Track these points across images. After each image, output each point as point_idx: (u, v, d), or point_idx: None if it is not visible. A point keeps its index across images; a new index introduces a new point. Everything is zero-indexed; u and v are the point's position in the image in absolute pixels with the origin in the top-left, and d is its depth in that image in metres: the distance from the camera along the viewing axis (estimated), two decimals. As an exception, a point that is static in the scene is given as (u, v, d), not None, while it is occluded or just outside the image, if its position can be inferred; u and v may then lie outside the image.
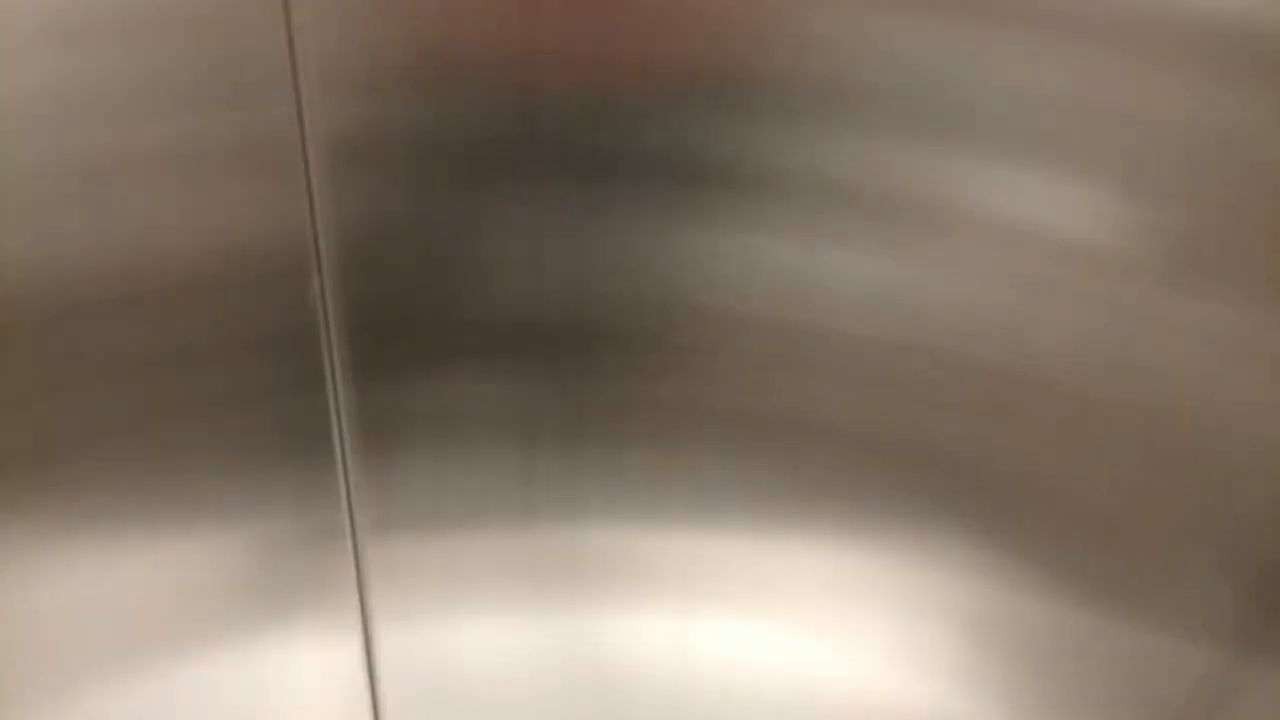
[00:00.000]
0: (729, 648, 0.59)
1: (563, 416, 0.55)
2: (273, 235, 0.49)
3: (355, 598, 0.57)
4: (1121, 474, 0.50)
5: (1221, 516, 0.49)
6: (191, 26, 0.44)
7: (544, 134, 0.48)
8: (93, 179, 0.46)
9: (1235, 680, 0.52)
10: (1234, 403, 0.47)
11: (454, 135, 0.48)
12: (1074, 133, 0.44)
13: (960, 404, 0.51)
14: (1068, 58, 0.42)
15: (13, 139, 0.44)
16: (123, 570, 0.54)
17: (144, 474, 0.53)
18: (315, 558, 0.56)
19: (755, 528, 0.57)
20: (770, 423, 0.54)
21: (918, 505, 0.54)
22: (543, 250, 0.51)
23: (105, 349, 0.49)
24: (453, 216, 0.50)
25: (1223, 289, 0.45)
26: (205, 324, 0.50)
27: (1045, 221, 0.46)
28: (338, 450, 0.54)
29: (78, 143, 0.45)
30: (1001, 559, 0.54)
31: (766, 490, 0.56)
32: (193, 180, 0.47)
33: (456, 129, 0.48)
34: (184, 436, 0.52)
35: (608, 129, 0.48)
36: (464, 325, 0.52)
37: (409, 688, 0.59)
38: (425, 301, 0.52)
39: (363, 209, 0.49)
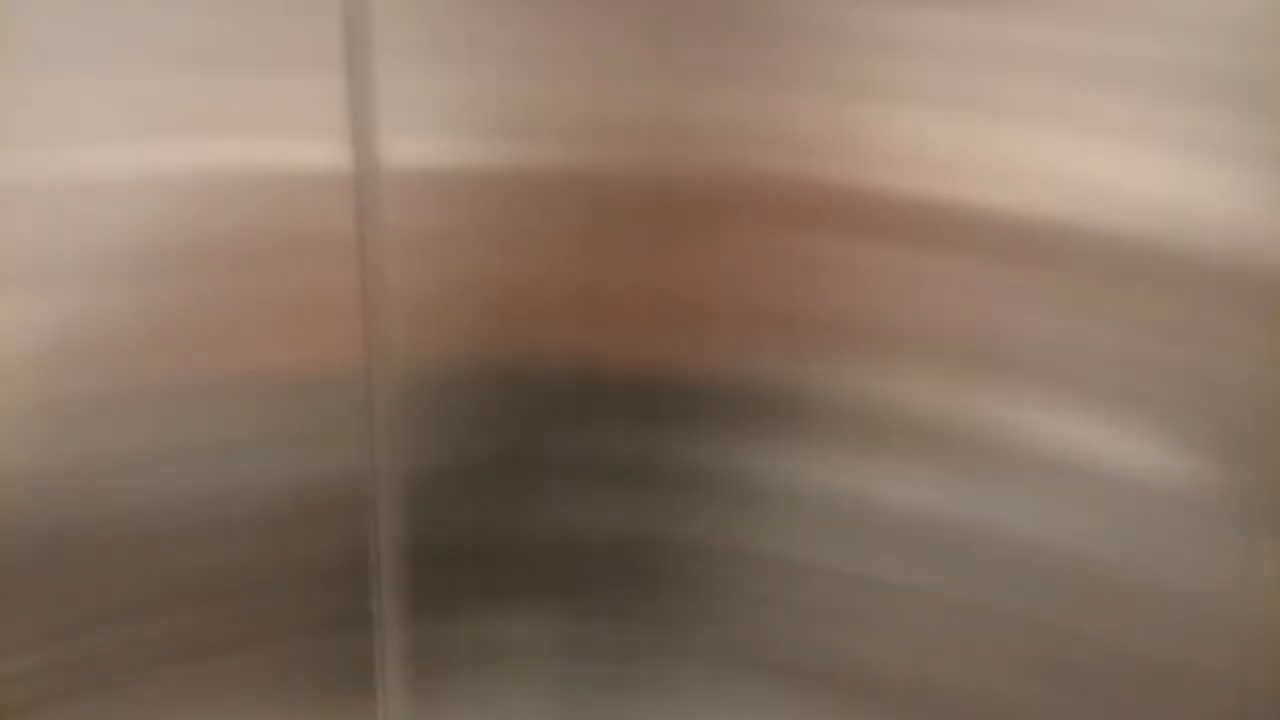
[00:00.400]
0: None
1: (609, 661, 0.54)
2: (332, 472, 0.50)
3: None
4: None
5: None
6: (268, 263, 0.45)
7: (602, 383, 0.49)
8: (159, 408, 0.47)
9: None
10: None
11: (514, 383, 0.49)
12: (1131, 380, 0.44)
13: (1021, 663, 0.49)
14: (1122, 306, 0.43)
15: (82, 366, 0.45)
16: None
17: (184, 708, 0.52)
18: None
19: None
20: (821, 678, 0.53)
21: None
22: (596, 492, 0.51)
23: (154, 580, 0.49)
24: (509, 460, 0.50)
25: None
26: (257, 558, 0.50)
27: (1105, 466, 0.45)
28: (380, 691, 0.53)
29: (140, 373, 0.46)
30: None
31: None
32: (256, 414, 0.48)
33: (517, 379, 0.49)
34: (227, 670, 0.52)
35: (663, 377, 0.48)
36: (515, 565, 0.52)
37: None
38: (478, 541, 0.52)
39: (422, 451, 0.50)
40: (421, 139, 0.45)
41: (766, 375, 0.48)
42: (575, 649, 0.54)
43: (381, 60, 0.44)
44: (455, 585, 0.53)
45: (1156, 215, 0.41)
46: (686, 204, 0.45)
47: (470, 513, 0.51)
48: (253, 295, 0.46)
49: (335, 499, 0.50)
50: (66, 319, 0.44)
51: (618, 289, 0.47)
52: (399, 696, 0.54)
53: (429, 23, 0.44)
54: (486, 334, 0.48)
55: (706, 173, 0.45)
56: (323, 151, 0.44)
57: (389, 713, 0.54)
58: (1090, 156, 0.41)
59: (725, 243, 0.46)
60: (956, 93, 0.42)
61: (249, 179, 0.44)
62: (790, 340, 0.47)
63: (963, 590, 0.49)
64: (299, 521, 0.50)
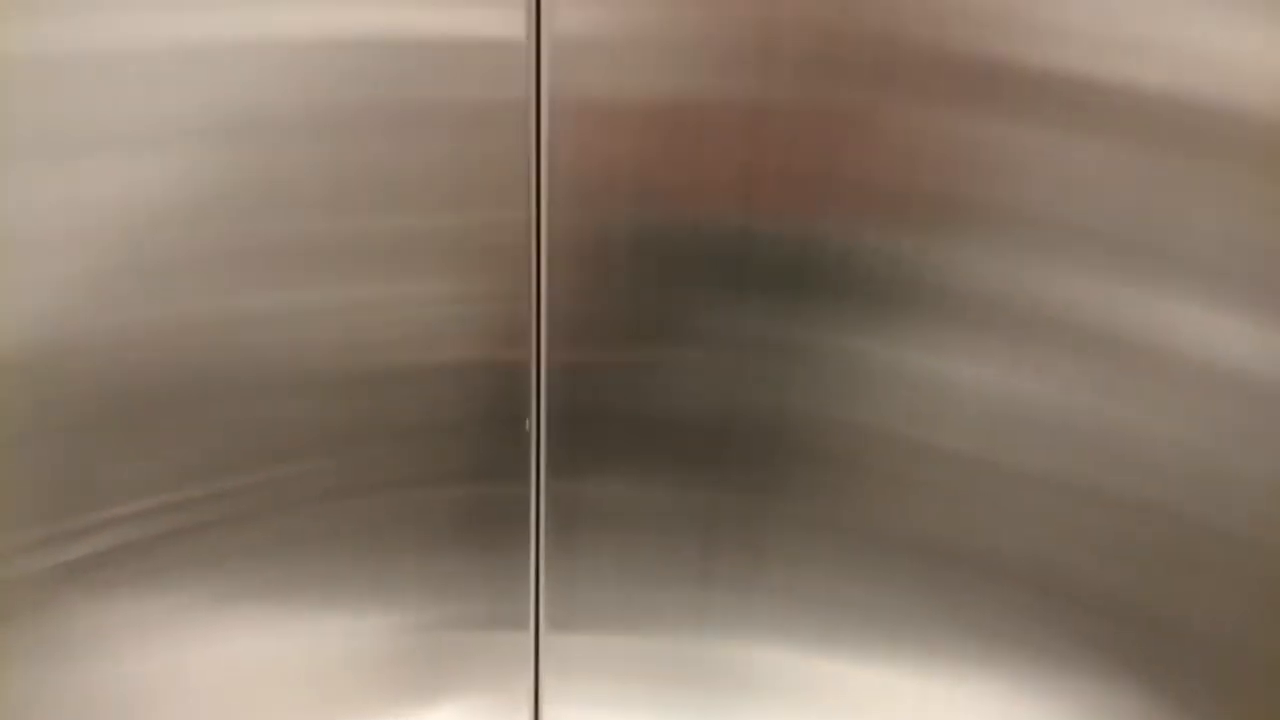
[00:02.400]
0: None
1: (745, 530, 0.56)
2: (496, 332, 0.52)
3: (529, 685, 0.57)
4: None
5: None
6: (444, 129, 0.48)
7: (757, 251, 0.50)
8: (315, 261, 0.49)
9: None
10: None
11: (672, 246, 0.51)
12: (1257, 272, 0.44)
13: (1146, 555, 0.50)
14: (1237, 193, 0.43)
15: (267, 217, 0.48)
16: (291, 639, 0.56)
17: (336, 547, 0.55)
18: (494, 643, 0.57)
19: (928, 664, 0.56)
20: (954, 559, 0.54)
21: (1090, 653, 0.53)
22: (746, 364, 0.52)
23: (318, 424, 0.52)
24: (664, 325, 0.52)
25: None
26: (417, 408, 0.53)
27: (1248, 368, 0.46)
28: (533, 543, 0.56)
29: (323, 225, 0.49)
30: (1171, 714, 0.52)
31: (943, 627, 0.55)
32: (423, 273, 0.50)
33: (675, 241, 0.50)
34: (379, 514, 0.54)
35: (816, 250, 0.50)
36: (662, 432, 0.54)
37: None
38: (629, 406, 0.54)
39: (579, 314, 0.52)
40: (592, 8, 0.46)
41: (913, 256, 0.48)
42: (712, 515, 0.56)
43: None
44: (605, 449, 0.55)
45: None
46: (849, 81, 0.46)
47: (622, 378, 0.53)
48: (422, 158, 0.48)
49: (499, 358, 0.52)
50: (229, 173, 0.46)
51: (775, 164, 0.48)
52: (549, 551, 0.56)
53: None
54: (646, 202, 0.49)
55: (869, 50, 0.45)
56: (497, 19, 0.46)
57: (540, 559, 0.57)
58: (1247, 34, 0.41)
59: (882, 122, 0.46)
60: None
61: (417, 45, 0.46)
62: (939, 221, 0.47)
63: (1096, 480, 0.50)
64: (463, 377, 0.52)
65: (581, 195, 0.50)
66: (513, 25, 0.46)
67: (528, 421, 0.54)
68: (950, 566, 0.54)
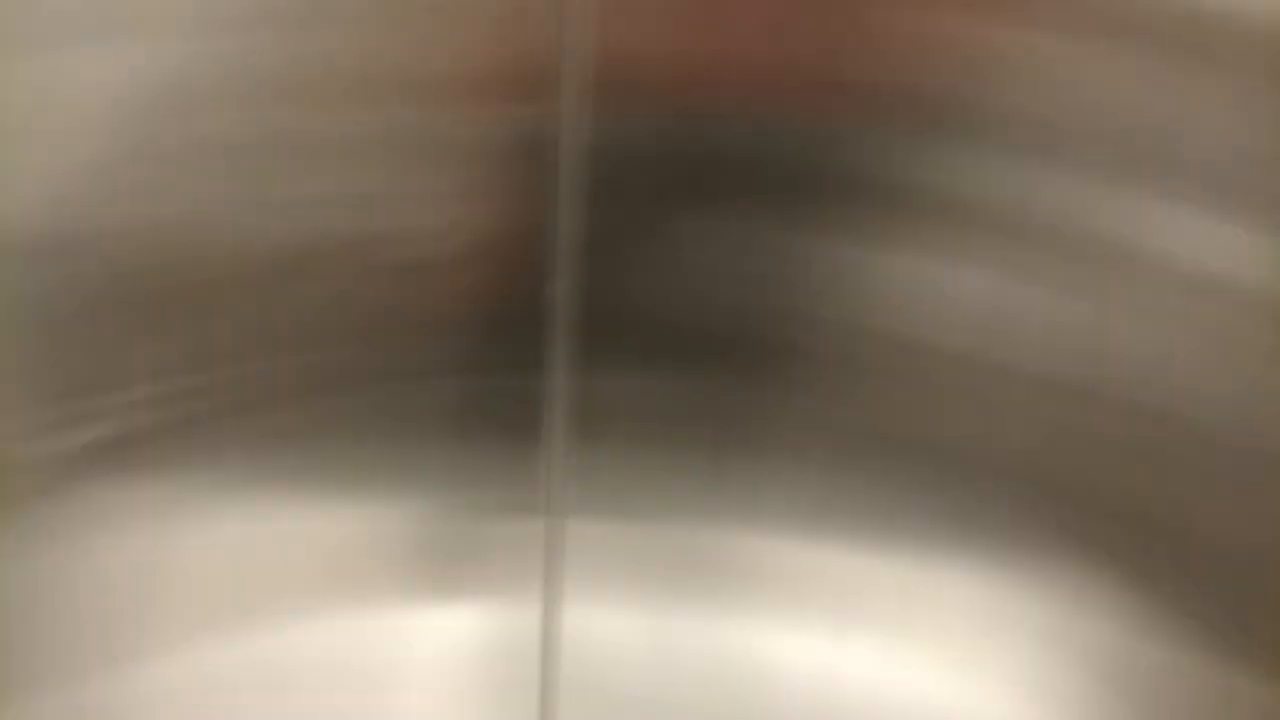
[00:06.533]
0: (873, 671, 0.60)
1: (751, 425, 0.57)
2: (514, 227, 0.52)
3: (539, 575, 0.59)
4: (1245, 522, 0.50)
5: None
6: (462, 18, 0.46)
7: (761, 150, 0.51)
8: (343, 153, 0.49)
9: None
10: None
11: (686, 150, 0.51)
12: (1226, 171, 0.45)
13: (1129, 450, 0.52)
14: (1218, 92, 0.44)
15: (255, 109, 0.47)
16: (304, 523, 0.57)
17: (349, 434, 0.55)
18: (505, 531, 0.58)
19: (913, 553, 0.58)
20: (943, 453, 0.56)
21: (1073, 547, 0.55)
22: (751, 265, 0.54)
23: (332, 312, 0.52)
24: (676, 227, 0.53)
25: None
26: (434, 299, 0.53)
27: (1237, 275, 0.47)
28: (546, 432, 0.56)
29: (327, 118, 0.48)
30: (1152, 608, 0.54)
31: (929, 518, 0.57)
32: (437, 164, 0.50)
33: (691, 144, 0.51)
34: (394, 398, 0.55)
35: (816, 150, 0.50)
36: (673, 329, 0.56)
37: (575, 671, 0.61)
38: (644, 303, 0.55)
39: (598, 212, 0.52)
40: None
41: (918, 147, 0.49)
42: (720, 410, 0.57)
43: None
44: (618, 342, 0.56)
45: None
46: None
47: (638, 274, 0.54)
48: (442, 39, 0.48)
49: (516, 250, 0.52)
50: (215, 63, 0.45)
51: (793, 62, 0.49)
52: (561, 441, 0.57)
53: None
54: (667, 100, 0.50)
55: None
56: None
57: (552, 454, 0.58)
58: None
59: (894, 24, 0.47)
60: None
61: None
62: (938, 122, 0.48)
63: (1083, 380, 0.51)
64: (478, 267, 0.52)
65: (604, 87, 0.50)
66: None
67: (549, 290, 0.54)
68: (939, 463, 0.56)
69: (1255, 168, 0.44)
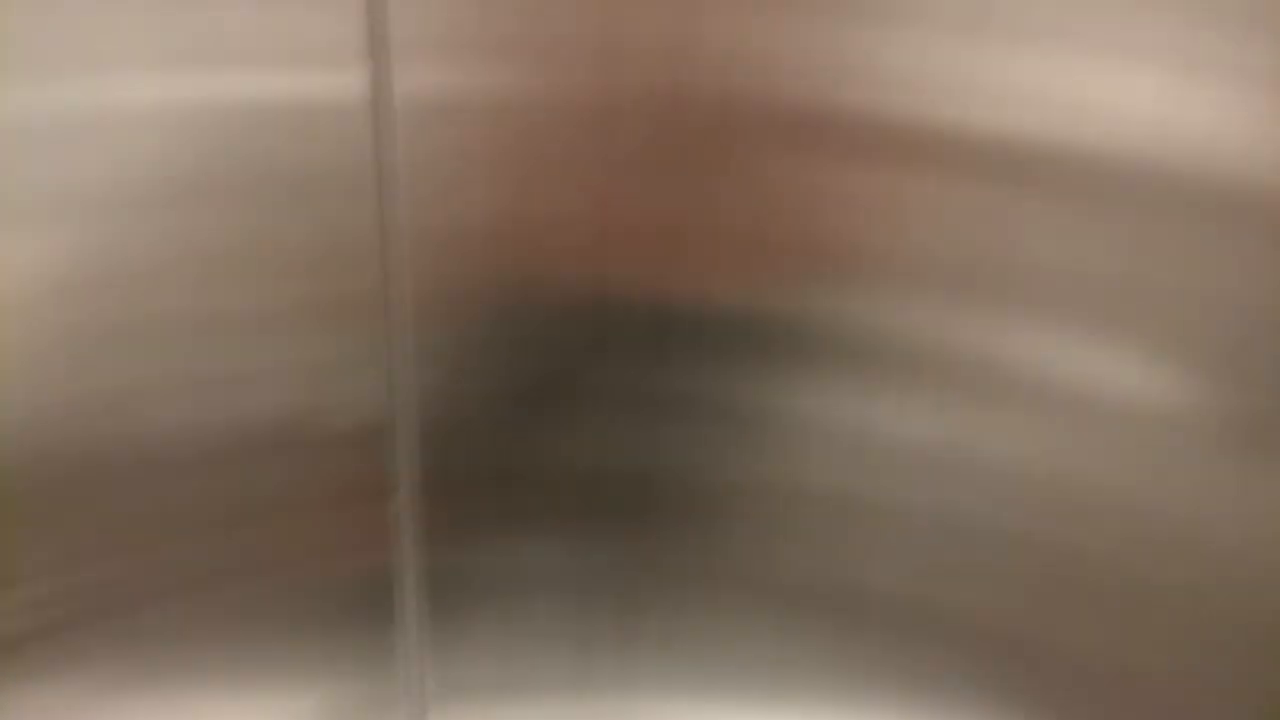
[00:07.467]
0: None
1: (620, 587, 0.55)
2: (349, 402, 0.50)
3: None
4: (1184, 663, 0.50)
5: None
6: (286, 194, 0.45)
7: (614, 314, 0.50)
8: (172, 337, 0.47)
9: None
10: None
11: (529, 314, 0.50)
12: (1125, 302, 0.45)
13: (1017, 580, 0.51)
14: (1115, 228, 0.44)
15: (101, 295, 0.45)
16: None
17: (205, 633, 0.52)
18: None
19: (807, 707, 0.56)
20: (825, 599, 0.54)
21: (971, 687, 0.53)
22: (608, 422, 0.52)
23: (173, 506, 0.50)
24: (524, 390, 0.51)
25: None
26: (276, 483, 0.51)
27: (1100, 389, 0.47)
28: (403, 615, 0.53)
29: (160, 303, 0.46)
30: None
31: (820, 670, 0.55)
32: (274, 344, 0.48)
33: (532, 309, 0.49)
34: (248, 596, 0.52)
35: (674, 308, 0.49)
36: (529, 490, 0.53)
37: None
38: (494, 466, 0.52)
39: (438, 380, 0.50)
40: (435, 70, 0.45)
41: (771, 305, 0.48)
42: (587, 575, 0.55)
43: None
44: (471, 513, 0.53)
45: (1150, 136, 0.42)
46: (696, 132, 0.46)
47: (485, 442, 0.52)
48: (269, 228, 0.46)
49: (353, 428, 0.50)
50: (83, 251, 0.44)
51: (629, 220, 0.48)
52: (422, 620, 0.54)
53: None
54: (501, 265, 0.48)
55: (713, 100, 0.45)
56: (337, 83, 0.44)
57: (407, 637, 0.55)
58: (1083, 77, 0.42)
59: (732, 172, 0.46)
60: (951, 15, 0.42)
61: (263, 111, 0.44)
62: (793, 269, 0.47)
63: (961, 508, 0.50)
64: (317, 451, 0.50)
65: (433, 260, 0.48)
66: (353, 88, 0.45)
67: (394, 503, 0.51)
68: (822, 609, 0.54)
69: (1099, 285, 0.44)
